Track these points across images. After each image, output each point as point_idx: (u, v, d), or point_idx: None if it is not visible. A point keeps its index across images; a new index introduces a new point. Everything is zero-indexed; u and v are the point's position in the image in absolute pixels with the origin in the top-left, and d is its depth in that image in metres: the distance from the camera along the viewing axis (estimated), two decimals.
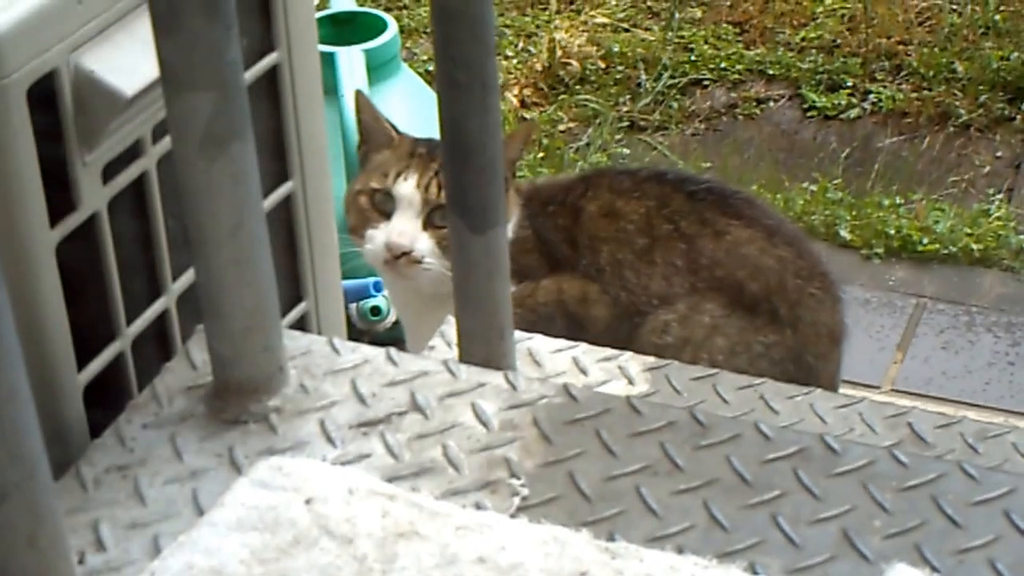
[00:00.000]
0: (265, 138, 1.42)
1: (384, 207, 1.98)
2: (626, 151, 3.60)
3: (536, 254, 1.99)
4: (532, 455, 1.07)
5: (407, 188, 1.96)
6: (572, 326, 1.94)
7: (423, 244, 1.95)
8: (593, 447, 1.07)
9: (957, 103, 3.63)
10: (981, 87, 3.64)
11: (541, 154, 3.56)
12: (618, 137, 3.70)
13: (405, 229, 1.95)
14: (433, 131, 2.92)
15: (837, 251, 3.11)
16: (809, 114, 3.73)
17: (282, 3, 1.31)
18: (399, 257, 1.95)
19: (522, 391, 1.13)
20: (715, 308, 1.92)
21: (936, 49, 3.80)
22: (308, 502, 1.04)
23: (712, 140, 3.70)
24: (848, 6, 4.00)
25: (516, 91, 3.93)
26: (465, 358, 1.52)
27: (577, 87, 3.90)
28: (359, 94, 2.11)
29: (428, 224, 1.95)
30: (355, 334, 2.56)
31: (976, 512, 0.99)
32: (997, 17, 3.86)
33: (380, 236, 1.97)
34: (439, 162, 1.95)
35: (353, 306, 2.64)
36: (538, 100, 3.90)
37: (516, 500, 1.04)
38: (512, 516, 1.03)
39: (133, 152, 1.23)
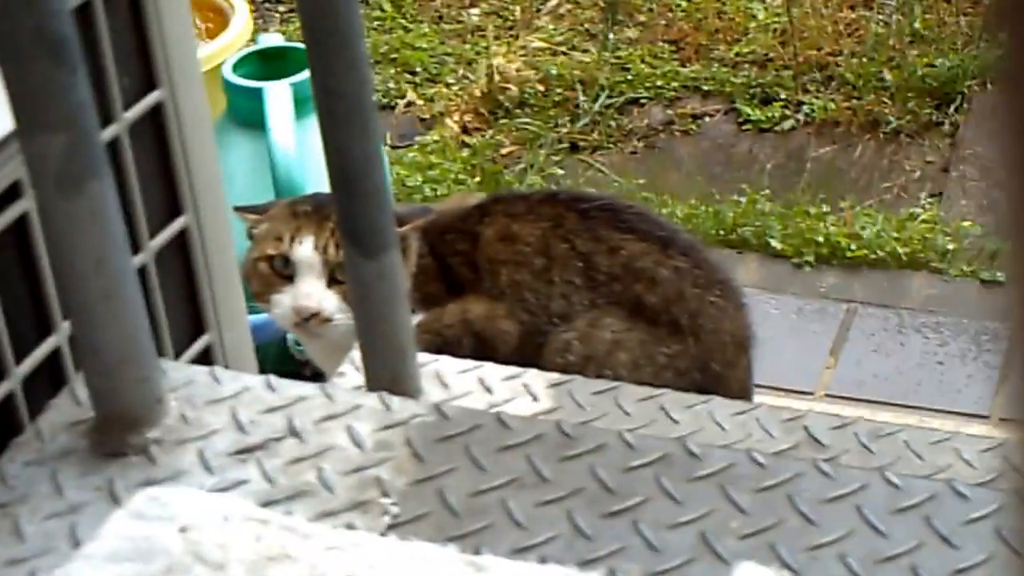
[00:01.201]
0: (154, 174, 1.43)
1: (285, 271, 1.99)
2: (561, 172, 3.62)
3: (439, 281, 2.01)
4: (404, 474, 1.08)
5: (305, 251, 1.97)
6: (480, 346, 1.95)
7: (330, 303, 1.97)
8: (463, 463, 1.08)
9: (887, 111, 3.66)
10: (909, 94, 3.67)
11: (478, 179, 3.58)
12: (558, 159, 3.71)
13: (310, 292, 1.96)
14: None
15: (769, 261, 3.13)
16: (744, 128, 3.75)
17: (161, 43, 1.32)
18: (308, 319, 1.96)
19: (396, 411, 1.14)
20: (615, 323, 1.94)
21: (864, 59, 3.83)
22: (183, 530, 1.05)
23: (650, 158, 3.72)
24: (779, 20, 4.02)
25: (457, 117, 3.95)
26: (372, 383, 1.53)
27: (517, 111, 3.91)
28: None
29: (332, 282, 1.97)
30: (294, 365, 2.56)
31: (830, 509, 1.00)
32: (918, 25, 3.89)
33: (286, 300, 1.99)
34: (333, 219, 1.96)
35: (291, 336, 2.65)
36: (479, 125, 3.92)
37: (387, 519, 1.05)
38: (382, 534, 1.04)
39: (13, 193, 1.24)
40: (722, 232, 3.21)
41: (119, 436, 1.14)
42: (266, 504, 1.07)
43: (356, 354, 1.66)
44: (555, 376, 1.60)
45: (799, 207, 3.27)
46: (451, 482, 1.06)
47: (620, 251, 1.96)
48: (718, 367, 1.94)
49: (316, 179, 2.78)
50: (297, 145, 2.64)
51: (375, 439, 1.12)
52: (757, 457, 1.04)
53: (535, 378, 1.60)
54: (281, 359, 2.48)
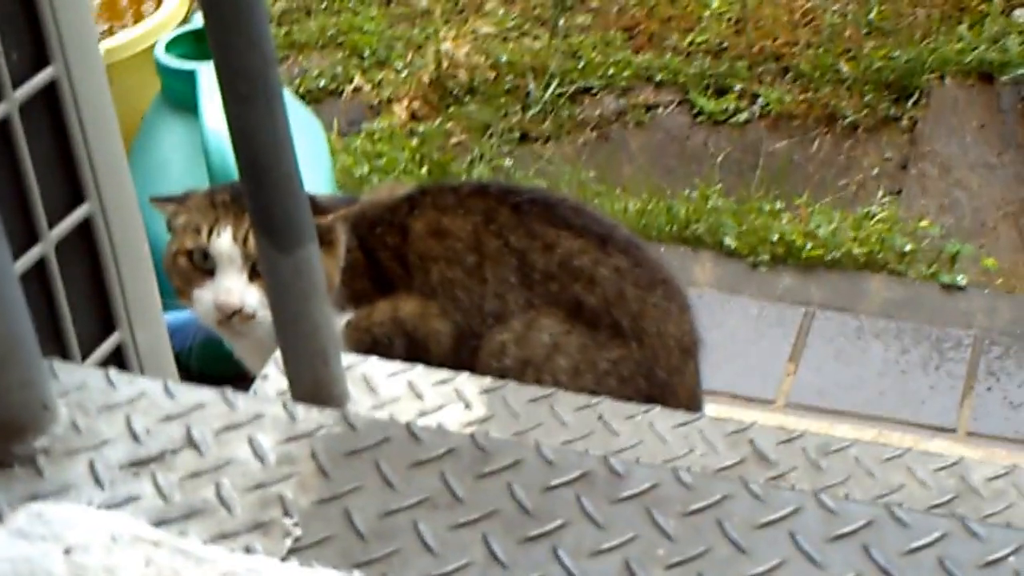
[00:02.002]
0: (51, 158, 1.35)
1: (204, 265, 1.91)
2: (511, 163, 3.55)
3: (368, 277, 1.93)
4: (308, 491, 1.01)
5: (224, 244, 1.89)
6: (413, 347, 1.88)
7: (252, 298, 1.89)
8: (371, 480, 1.00)
9: (844, 104, 3.60)
10: (866, 87, 3.62)
11: (426, 169, 3.50)
12: (507, 148, 3.64)
13: (231, 287, 1.88)
14: (307, 147, 2.87)
15: (724, 259, 3.07)
16: (698, 119, 3.69)
17: (53, 16, 1.24)
18: (231, 316, 1.89)
19: (301, 421, 1.07)
20: (553, 325, 1.86)
21: (821, 50, 3.77)
22: (67, 552, 0.97)
23: (602, 149, 3.65)
24: (734, 8, 3.96)
25: (405, 104, 3.87)
26: (294, 388, 1.46)
27: (466, 98, 3.84)
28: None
29: (254, 275, 1.89)
30: (226, 364, 2.47)
31: (761, 536, 0.94)
32: (874, 16, 3.84)
33: (207, 296, 1.90)
34: None
35: None
36: (428, 112, 3.85)
37: (288, 541, 0.98)
38: (283, 559, 0.96)
39: None
40: (675, 229, 3.15)
41: (3, 446, 1.06)
42: (159, 523, 1.00)
43: (279, 354, 1.59)
44: (488, 381, 1.53)
45: (752, 203, 3.21)
46: (358, 501, 0.99)
47: (556, 248, 1.89)
48: (664, 373, 1.87)
49: None
50: None
51: (278, 452, 1.04)
52: (684, 477, 0.97)
53: (468, 383, 1.53)
54: (210, 356, 2.40)
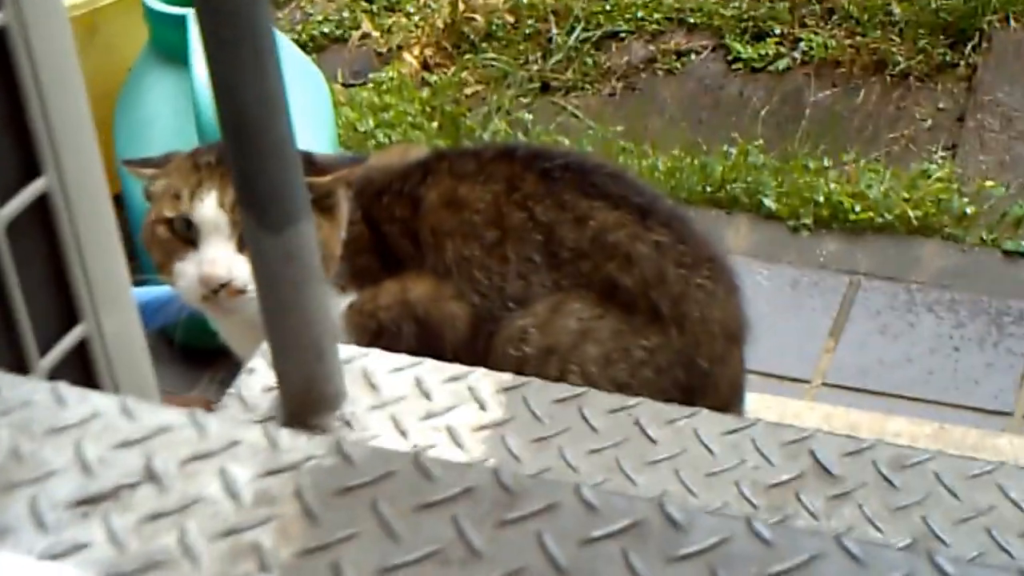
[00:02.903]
0: (2, 123, 1.19)
1: (187, 235, 1.75)
2: (531, 116, 3.39)
3: (373, 253, 1.77)
4: (290, 539, 0.86)
5: (208, 210, 1.73)
6: (425, 334, 1.72)
7: (241, 270, 1.73)
8: (369, 526, 0.85)
9: (894, 49, 3.43)
10: (920, 30, 3.44)
11: (438, 122, 3.34)
12: (527, 100, 3.49)
13: (217, 257, 1.72)
14: (306, 101, 2.71)
15: (762, 223, 2.91)
16: (734, 67, 3.53)
17: None
18: (217, 290, 1.73)
19: (284, 451, 0.92)
20: (583, 308, 1.70)
21: None
22: None
23: (630, 100, 3.50)
24: None
25: (417, 52, 3.72)
26: (284, 385, 1.32)
27: (483, 45, 3.69)
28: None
29: (244, 245, 1.73)
30: (210, 339, 2.32)
31: None
32: None
33: (191, 269, 1.75)
34: None
35: None
36: (441, 61, 3.70)
37: None
38: None
39: None
40: (709, 188, 2.98)
41: None
42: None
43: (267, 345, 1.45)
44: (507, 378, 1.38)
45: (796, 161, 3.04)
46: (352, 553, 0.84)
47: (589, 222, 1.72)
48: (705, 363, 1.70)
49: None
50: None
51: (256, 489, 0.89)
52: (760, 530, 0.82)
53: (483, 380, 1.39)
54: (196, 330, 2.24)
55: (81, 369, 1.33)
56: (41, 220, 1.26)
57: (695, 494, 1.25)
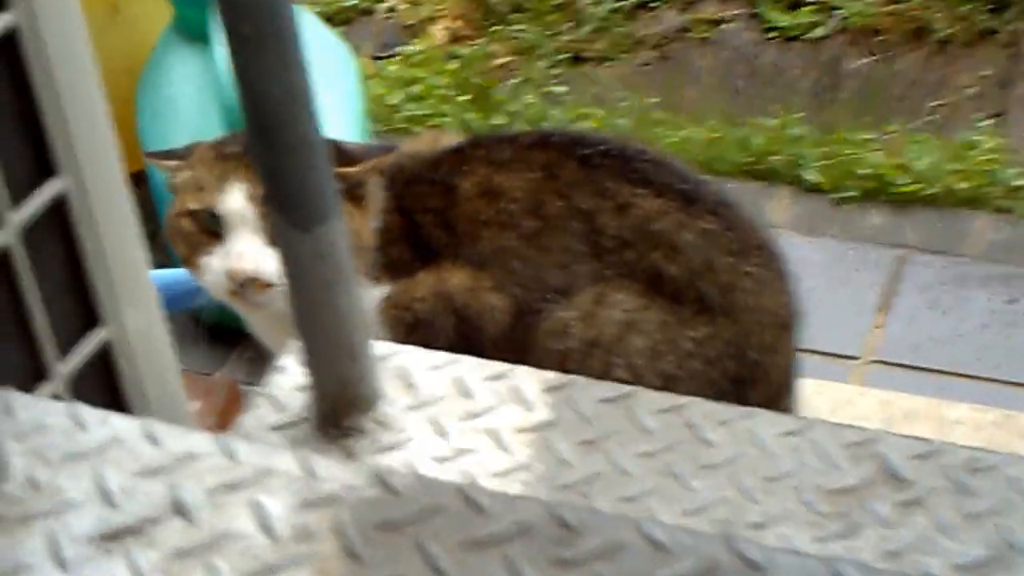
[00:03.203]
0: (14, 122, 1.12)
1: (213, 228, 1.69)
2: (563, 89, 3.30)
3: (406, 244, 1.70)
4: None
5: (235, 202, 1.67)
6: (463, 326, 1.65)
7: (269, 263, 1.66)
8: (413, 567, 0.78)
9: (935, 16, 3.32)
10: None
11: (468, 96, 3.26)
12: (558, 72, 3.41)
13: (244, 251, 1.66)
14: (335, 78, 2.64)
15: (804, 196, 2.82)
16: (769, 35, 3.44)
17: None
18: (245, 285, 1.67)
19: (323, 480, 0.85)
20: (627, 300, 1.62)
21: None
22: None
23: (663, 70, 3.41)
24: None
25: (445, 24, 3.64)
26: (317, 386, 1.25)
27: (512, 16, 3.60)
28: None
29: (272, 237, 1.66)
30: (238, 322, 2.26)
31: None
32: None
33: (217, 263, 1.69)
34: None
35: None
36: (469, 33, 3.62)
37: None
38: None
39: None
40: (748, 161, 2.89)
41: None
42: None
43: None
44: (552, 377, 1.31)
45: (838, 132, 2.94)
46: None
47: (632, 209, 1.64)
48: (756, 353, 1.63)
49: None
50: None
51: (292, 523, 0.82)
52: (850, 574, 0.74)
53: (527, 378, 1.32)
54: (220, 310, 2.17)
55: (103, 374, 1.27)
56: (59, 221, 1.20)
57: (756, 501, 1.17)
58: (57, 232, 1.20)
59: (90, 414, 0.92)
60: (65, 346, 1.23)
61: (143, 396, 1.32)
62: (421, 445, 1.25)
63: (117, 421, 0.91)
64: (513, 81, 3.36)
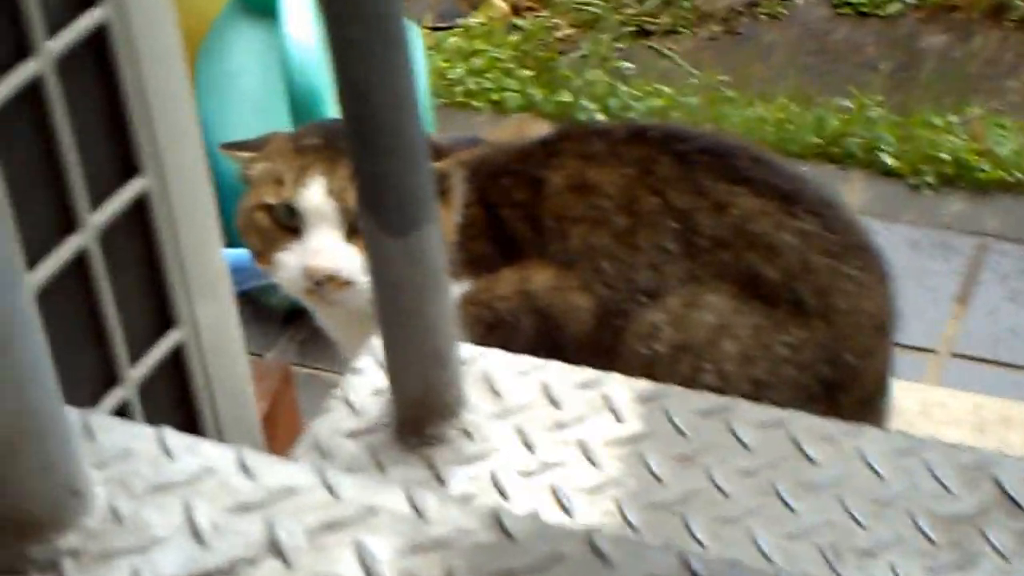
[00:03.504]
0: (99, 120, 1.08)
1: (290, 223, 1.63)
2: (629, 65, 3.23)
3: (489, 239, 1.64)
4: None
5: (315, 197, 1.61)
6: (546, 327, 1.59)
7: (350, 261, 1.61)
8: None
9: None
10: None
11: (530, 71, 3.20)
12: (622, 45, 3.34)
13: (323, 248, 1.60)
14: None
15: (880, 181, 2.75)
16: (841, 10, 3.36)
17: None
18: (323, 283, 1.61)
19: (434, 521, 0.79)
20: (721, 302, 1.56)
21: None
22: None
23: (730, 45, 3.34)
24: None
25: None
26: (399, 393, 1.20)
27: None
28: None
29: (352, 233, 1.61)
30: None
31: None
32: None
33: (293, 260, 1.63)
34: None
35: None
36: (532, 4, 3.55)
37: None
38: None
39: None
40: (822, 143, 2.82)
41: (17, 547, 0.80)
42: None
43: (376, 340, 1.34)
44: (644, 386, 1.24)
45: (917, 115, 2.86)
46: None
47: (730, 208, 1.58)
48: (852, 357, 1.56)
49: None
50: (319, 39, 2.28)
51: (399, 569, 0.77)
52: None
53: (619, 387, 1.25)
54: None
55: (172, 376, 1.23)
56: (138, 221, 1.15)
57: (863, 525, 1.11)
58: (136, 232, 1.15)
59: (179, 440, 0.86)
60: (137, 349, 1.19)
61: (211, 398, 1.28)
62: (506, 457, 1.19)
63: (208, 449, 0.86)
64: (576, 54, 3.30)
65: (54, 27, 1.00)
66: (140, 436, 0.87)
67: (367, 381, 1.27)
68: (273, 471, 0.84)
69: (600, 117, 2.98)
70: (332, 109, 2.27)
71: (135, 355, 1.19)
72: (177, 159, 1.16)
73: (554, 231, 1.60)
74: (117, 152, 1.11)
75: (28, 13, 0.97)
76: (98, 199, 1.10)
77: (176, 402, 1.25)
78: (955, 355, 2.37)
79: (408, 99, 1.01)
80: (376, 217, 1.07)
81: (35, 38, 0.98)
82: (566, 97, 3.04)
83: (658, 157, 1.60)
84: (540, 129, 1.74)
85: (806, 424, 1.20)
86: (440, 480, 1.17)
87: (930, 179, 2.72)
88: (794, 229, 1.57)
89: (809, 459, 1.17)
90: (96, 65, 1.06)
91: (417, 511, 0.79)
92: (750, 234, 1.57)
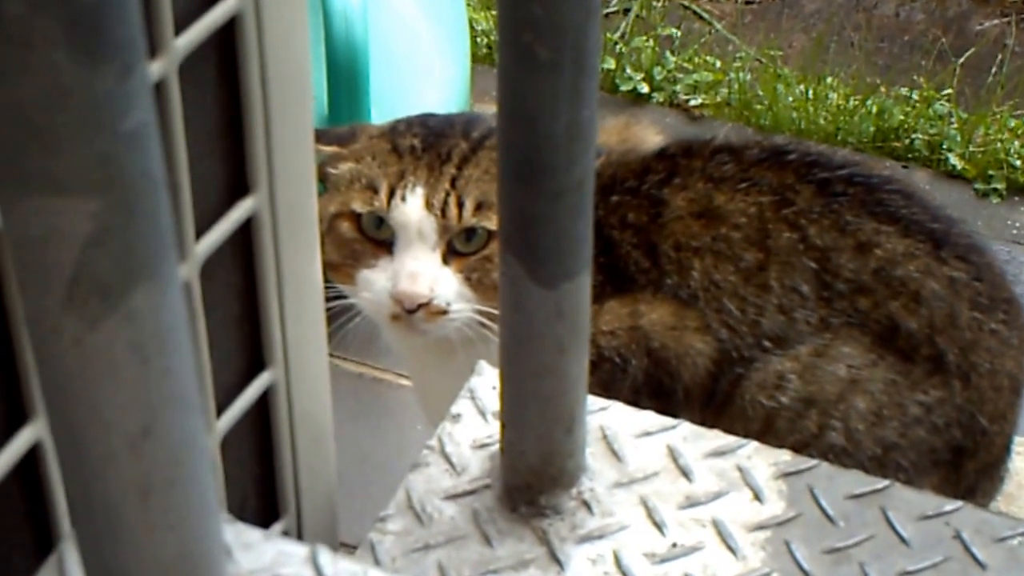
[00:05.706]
0: (213, 130, 0.94)
1: (379, 236, 1.46)
2: (676, 32, 3.09)
3: (596, 264, 1.49)
4: None
5: (413, 212, 1.43)
6: (656, 371, 1.44)
7: (447, 287, 1.44)
8: None
9: None
10: None
11: None
12: (659, 3, 3.20)
13: (418, 270, 1.43)
14: (460, 41, 2.43)
15: (943, 182, 2.62)
16: None
17: None
18: (415, 311, 1.45)
19: None
20: (855, 354, 1.43)
21: None
22: None
23: (772, 11, 3.22)
24: None
25: None
26: (513, 455, 1.08)
27: None
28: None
29: (450, 256, 1.45)
30: None
31: None
32: None
33: (381, 281, 1.45)
34: (455, 162, 1.44)
35: None
36: None
37: None
38: None
39: None
40: (883, 136, 2.69)
41: None
42: None
43: (478, 381, 1.22)
44: (786, 459, 1.13)
45: (983, 112, 2.73)
46: None
47: (874, 249, 1.44)
48: (986, 421, 1.44)
49: (386, 45, 2.28)
50: None
51: None
52: None
53: (756, 458, 1.13)
54: None
55: (257, 424, 1.10)
56: (241, 247, 1.01)
57: None
58: (238, 260, 1.02)
59: (333, 564, 0.73)
60: (223, 395, 1.06)
61: (293, 446, 1.15)
62: (632, 536, 1.08)
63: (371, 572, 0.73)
64: (619, 22, 3.16)
65: (181, 22, 0.86)
66: (289, 556, 0.74)
67: (467, 431, 1.15)
68: None
69: (644, 88, 2.85)
70: (369, 65, 2.15)
71: (222, 403, 1.06)
72: (290, 175, 1.02)
73: (673, 262, 1.44)
74: (228, 168, 0.97)
75: (158, 4, 0.82)
76: (204, 224, 0.96)
77: (256, 450, 1.12)
78: None
79: (588, 135, 0.90)
80: (525, 263, 0.96)
81: (162, 34, 0.83)
82: (609, 64, 2.90)
83: (797, 185, 1.45)
84: (649, 136, 1.58)
85: (972, 518, 1.09)
86: (556, 559, 1.05)
87: (998, 186, 2.60)
88: (942, 277, 1.44)
89: (978, 562, 1.06)
90: (218, 67, 0.92)
91: None
92: (895, 280, 1.43)
